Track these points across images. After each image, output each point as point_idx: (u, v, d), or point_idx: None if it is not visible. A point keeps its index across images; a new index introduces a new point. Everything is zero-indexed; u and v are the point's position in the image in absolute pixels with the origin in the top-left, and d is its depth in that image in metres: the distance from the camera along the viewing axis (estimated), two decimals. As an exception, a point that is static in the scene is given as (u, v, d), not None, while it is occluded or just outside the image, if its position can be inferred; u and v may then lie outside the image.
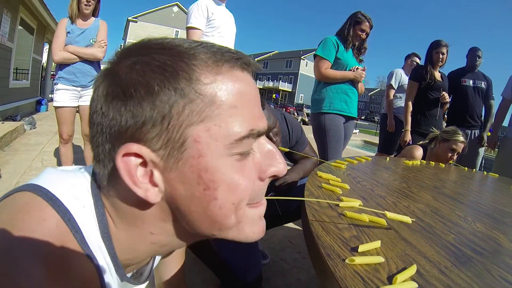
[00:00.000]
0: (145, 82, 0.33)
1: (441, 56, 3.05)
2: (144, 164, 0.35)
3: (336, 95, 2.62)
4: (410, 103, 3.16)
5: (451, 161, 2.28)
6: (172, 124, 0.34)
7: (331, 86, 2.63)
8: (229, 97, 0.35)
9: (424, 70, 3.10)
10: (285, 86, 53.20)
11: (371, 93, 75.19)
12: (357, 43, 2.71)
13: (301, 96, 53.45)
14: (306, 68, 53.00)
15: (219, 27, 2.72)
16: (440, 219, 0.77)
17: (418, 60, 4.05)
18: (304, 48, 58.84)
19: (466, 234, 0.71)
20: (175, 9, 39.92)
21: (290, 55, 56.57)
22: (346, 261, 0.44)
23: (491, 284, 0.48)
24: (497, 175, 2.12)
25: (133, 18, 37.64)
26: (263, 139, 0.40)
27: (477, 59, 3.43)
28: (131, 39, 36.02)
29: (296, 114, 21.68)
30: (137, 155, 0.34)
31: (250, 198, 0.39)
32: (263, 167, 0.40)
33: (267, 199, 0.44)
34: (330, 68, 2.61)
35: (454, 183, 1.43)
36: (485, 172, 2.30)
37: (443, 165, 1.99)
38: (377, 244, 0.52)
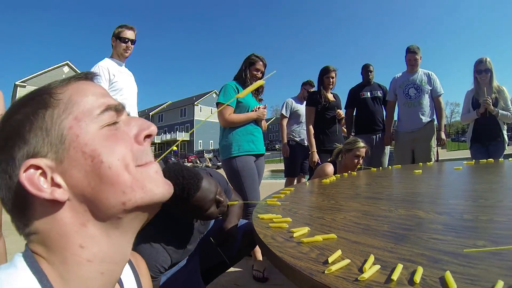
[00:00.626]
0: (16, 111, 0.47)
1: (331, 80, 3.72)
2: (43, 174, 0.44)
3: (243, 137, 2.83)
4: (311, 127, 3.70)
5: (358, 166, 2.66)
6: (48, 128, 0.45)
7: (237, 130, 2.84)
8: (80, 91, 0.49)
9: (318, 95, 3.70)
10: (182, 136, 54.84)
11: (268, 123, 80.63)
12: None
13: (200, 142, 55.85)
14: (201, 113, 56.09)
15: (121, 89, 2.83)
16: (372, 217, 0.99)
17: (311, 88, 4.73)
18: (196, 93, 62.53)
19: (395, 220, 0.93)
20: (66, 69, 38.27)
21: (183, 103, 59.43)
22: (326, 272, 0.60)
23: (424, 245, 0.69)
24: (400, 166, 2.57)
25: (20, 82, 35.00)
26: (130, 117, 0.55)
27: (369, 73, 4.33)
28: (19, 106, 33.25)
29: (198, 161, 21.87)
30: (35, 166, 0.44)
31: (137, 159, 0.49)
32: (136, 132, 0.52)
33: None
34: (233, 112, 2.84)
35: (369, 185, 1.74)
36: (390, 167, 2.73)
37: (354, 173, 2.33)
38: (339, 252, 0.69)
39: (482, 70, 3.72)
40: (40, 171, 0.44)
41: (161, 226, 1.44)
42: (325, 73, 3.75)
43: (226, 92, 2.85)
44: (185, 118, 57.78)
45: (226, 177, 2.74)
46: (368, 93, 4.25)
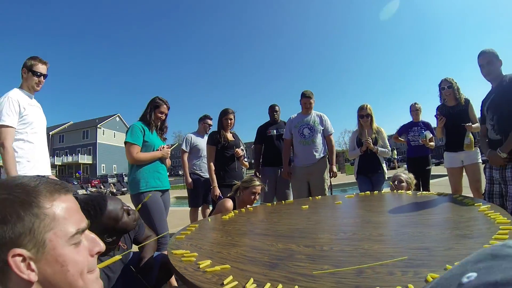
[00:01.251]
0: (15, 212, 0.68)
1: (229, 121, 4.18)
2: (24, 259, 0.66)
3: (150, 174, 3.13)
4: (212, 164, 4.12)
5: (255, 201, 3.04)
6: (35, 234, 0.67)
7: (144, 167, 3.12)
8: (62, 212, 0.73)
9: (218, 135, 4.13)
10: (85, 159, 52.70)
11: (171, 149, 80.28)
12: (159, 124, 3.37)
13: (103, 166, 53.93)
14: (104, 136, 54.38)
15: (32, 123, 2.81)
16: (257, 251, 1.36)
17: (209, 122, 5.16)
18: (100, 116, 59.39)
19: (273, 253, 1.33)
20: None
21: (86, 125, 56.47)
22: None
23: (288, 270, 1.09)
24: (292, 201, 3.02)
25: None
26: (87, 232, 0.82)
27: (275, 113, 4.98)
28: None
29: (102, 186, 20.83)
30: (20, 255, 0.65)
31: (88, 268, 0.79)
32: (91, 248, 0.78)
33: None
34: (140, 151, 3.12)
35: (262, 222, 2.15)
36: (283, 202, 3.17)
37: (251, 208, 2.72)
38: (231, 277, 1.06)
39: (363, 115, 4.42)
40: (22, 257, 0.66)
41: None
42: (224, 115, 4.21)
43: (133, 132, 3.14)
44: (88, 140, 55.03)
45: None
46: (274, 131, 4.89)
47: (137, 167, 3.10)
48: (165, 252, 2.10)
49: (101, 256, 1.69)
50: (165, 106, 3.33)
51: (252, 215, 2.49)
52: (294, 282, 0.98)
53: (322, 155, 4.50)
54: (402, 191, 3.13)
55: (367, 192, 3.34)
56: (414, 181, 3.62)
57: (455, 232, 1.47)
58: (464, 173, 4.17)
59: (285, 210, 2.70)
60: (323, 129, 4.59)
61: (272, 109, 5.04)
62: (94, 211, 1.54)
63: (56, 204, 0.73)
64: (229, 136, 4.23)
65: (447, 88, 4.10)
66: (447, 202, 2.27)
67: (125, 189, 22.58)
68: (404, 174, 3.66)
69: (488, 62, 2.92)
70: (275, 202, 3.28)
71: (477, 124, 3.78)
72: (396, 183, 3.51)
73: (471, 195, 3.83)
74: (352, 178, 20.35)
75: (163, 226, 2.93)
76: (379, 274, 1.06)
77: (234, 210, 2.77)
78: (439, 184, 9.90)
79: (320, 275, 1.04)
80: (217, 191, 3.97)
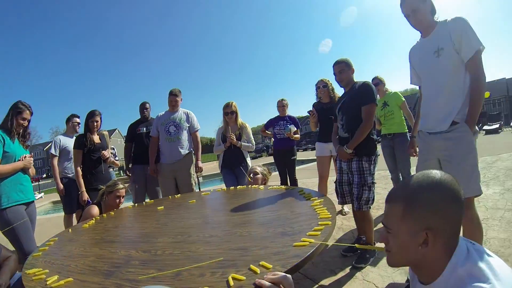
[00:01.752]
0: None
1: (95, 123, 4.32)
2: None
3: (12, 188, 3.06)
4: (79, 168, 4.24)
5: (120, 204, 3.38)
6: None
7: (5, 181, 3.03)
8: None
9: (85, 138, 4.24)
10: None
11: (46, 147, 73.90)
12: (21, 131, 3.25)
13: None
14: None
15: None
16: (101, 260, 1.72)
17: (77, 120, 5.20)
18: None
19: (114, 260, 1.70)
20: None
21: None
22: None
23: (121, 277, 1.43)
24: (152, 201, 3.35)
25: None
26: None
27: (145, 110, 5.22)
28: None
29: None
30: None
31: None
32: None
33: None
34: (0, 163, 3.02)
35: (115, 228, 2.46)
36: (144, 202, 3.46)
37: (112, 213, 2.98)
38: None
39: (228, 112, 4.89)
40: None
41: None
42: (90, 117, 4.30)
43: None
44: None
45: None
46: (144, 129, 5.13)
47: None
48: None
49: None
50: (27, 111, 3.26)
51: (111, 221, 2.75)
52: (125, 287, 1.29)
53: (187, 151, 4.83)
54: (256, 185, 3.44)
55: (224, 188, 3.71)
56: (271, 173, 4.05)
57: (278, 229, 1.70)
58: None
59: (143, 212, 2.99)
60: (189, 126, 4.90)
61: (143, 107, 5.25)
62: None
63: None
64: (96, 138, 4.36)
65: (322, 87, 4.84)
66: (289, 197, 2.53)
67: None
68: (259, 167, 3.98)
69: (340, 71, 3.36)
70: (144, 202, 3.57)
71: None
72: (251, 175, 3.82)
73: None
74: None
75: (30, 243, 2.96)
76: (193, 276, 1.27)
77: (96, 217, 2.97)
78: (309, 169, 11.65)
79: (144, 280, 1.32)
80: (85, 196, 4.09)
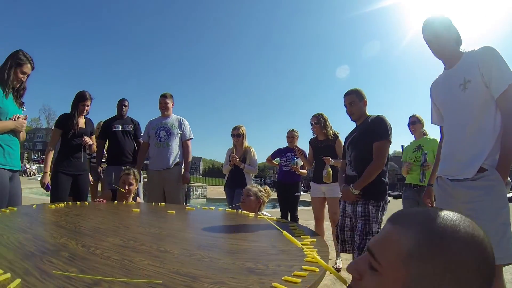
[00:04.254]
0: None
1: (86, 108, 4.18)
2: None
3: None
4: (51, 148, 4.03)
5: (129, 191, 3.49)
6: None
7: None
8: None
9: (72, 121, 4.05)
10: None
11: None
12: (17, 86, 2.94)
13: None
14: None
15: None
16: (36, 241, 1.56)
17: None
18: None
19: (48, 247, 1.51)
20: None
21: None
22: None
23: (41, 268, 1.28)
24: (134, 203, 3.29)
25: None
26: None
27: (123, 107, 5.09)
28: None
29: None
30: None
31: None
32: None
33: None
34: None
35: (76, 216, 2.29)
36: (125, 202, 3.38)
37: (87, 203, 2.89)
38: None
39: (235, 135, 5.05)
40: None
41: None
42: (81, 99, 4.12)
43: None
44: None
45: None
46: (120, 127, 5.00)
47: None
48: None
49: None
50: (29, 65, 2.91)
51: (78, 209, 2.68)
52: (34, 278, 1.09)
53: (177, 159, 4.76)
54: (247, 211, 3.05)
55: (211, 207, 3.46)
56: (269, 194, 3.56)
57: (247, 264, 1.40)
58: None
59: (116, 210, 2.88)
60: (180, 133, 4.84)
61: (121, 103, 5.09)
62: None
63: None
64: (81, 122, 4.18)
65: (314, 124, 4.72)
66: (276, 230, 2.11)
67: None
68: (254, 187, 3.56)
69: (350, 103, 3.12)
70: (125, 202, 3.44)
71: (338, 159, 4.22)
72: (243, 197, 3.42)
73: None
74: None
75: None
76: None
77: (69, 202, 2.90)
78: (311, 210, 10.75)
79: (55, 276, 1.13)
80: (47, 179, 3.84)
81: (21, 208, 2.39)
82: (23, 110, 3.05)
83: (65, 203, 2.81)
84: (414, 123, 4.82)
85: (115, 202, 3.34)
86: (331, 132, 4.71)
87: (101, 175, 5.29)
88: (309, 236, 1.92)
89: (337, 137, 4.68)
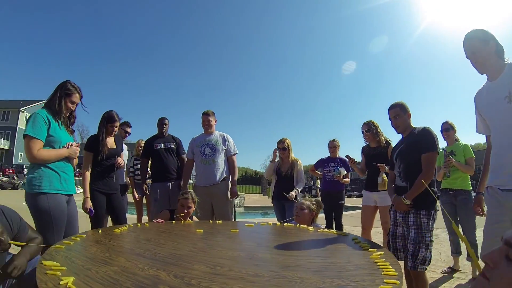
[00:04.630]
0: None
1: (114, 129, 3.96)
2: None
3: (54, 174, 2.78)
4: (87, 173, 3.82)
5: (187, 213, 3.42)
6: None
7: (48, 165, 2.76)
8: None
9: (101, 143, 3.83)
10: (1, 143, 48.70)
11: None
12: (67, 115, 2.98)
13: (20, 155, 50.37)
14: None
15: None
16: (125, 274, 1.46)
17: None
18: (25, 98, 55.24)
19: (140, 278, 1.42)
20: None
21: (7, 106, 52.05)
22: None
23: None
24: (191, 221, 3.21)
25: None
26: None
27: (164, 126, 5.13)
28: None
29: (16, 177, 19.48)
30: None
31: None
32: None
33: None
34: (43, 147, 2.74)
35: (148, 241, 2.22)
36: (182, 221, 3.29)
37: (147, 225, 2.79)
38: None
39: (281, 148, 4.99)
40: None
41: None
42: (110, 121, 3.92)
43: (35, 124, 2.74)
44: (7, 123, 51.06)
45: (31, 211, 2.73)
46: (162, 145, 5.02)
47: (40, 164, 2.74)
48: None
49: None
50: (77, 95, 2.97)
51: (144, 232, 2.56)
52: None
53: (223, 175, 4.70)
54: (304, 225, 3.20)
55: (269, 222, 3.52)
56: (321, 206, 3.72)
57: (336, 281, 1.45)
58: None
59: (178, 231, 2.80)
60: (225, 149, 4.78)
61: (161, 122, 5.16)
62: None
63: None
64: (111, 142, 4.01)
65: (366, 132, 4.61)
66: (342, 244, 2.32)
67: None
68: (307, 200, 3.65)
69: (395, 116, 3.15)
70: (174, 221, 3.34)
71: None
72: (297, 210, 3.53)
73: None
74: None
75: (58, 237, 2.63)
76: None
77: (130, 224, 2.83)
78: (354, 216, 10.82)
79: None
80: (89, 204, 3.66)
81: (90, 234, 2.30)
82: (73, 137, 3.10)
83: (127, 225, 2.73)
84: (448, 130, 4.82)
85: (173, 221, 3.25)
86: (383, 139, 4.60)
87: (147, 192, 5.30)
88: (375, 250, 1.99)
89: (389, 144, 4.53)
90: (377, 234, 4.40)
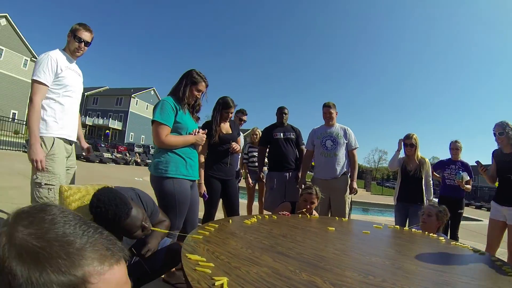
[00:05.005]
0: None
1: (230, 115, 3.83)
2: None
3: (180, 160, 2.83)
4: (202, 157, 3.71)
5: (310, 209, 3.24)
6: None
7: (174, 150, 2.82)
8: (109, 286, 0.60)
9: (215, 129, 3.73)
10: (115, 124, 56.72)
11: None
12: (192, 102, 3.01)
13: (132, 134, 58.06)
14: (136, 106, 59.00)
15: (66, 86, 2.83)
16: (279, 277, 1.28)
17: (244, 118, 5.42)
18: (135, 86, 63.98)
19: (296, 284, 1.22)
20: (3, 21, 36.29)
21: (120, 93, 61.09)
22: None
23: None
24: (318, 216, 2.96)
25: None
26: None
27: (284, 115, 4.96)
28: None
29: (128, 154, 21.98)
30: None
31: None
32: None
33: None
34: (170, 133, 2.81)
35: (284, 237, 2.04)
36: (308, 216, 3.08)
37: (275, 217, 2.69)
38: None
39: (408, 144, 4.51)
40: None
41: None
42: (225, 107, 3.79)
43: (163, 110, 2.79)
44: (120, 107, 59.45)
45: (156, 193, 2.81)
46: (281, 134, 4.85)
47: (166, 149, 2.81)
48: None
49: None
50: (203, 83, 2.98)
51: (275, 226, 2.39)
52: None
53: (344, 170, 4.46)
54: (434, 235, 2.89)
55: (396, 226, 3.19)
56: (448, 215, 3.38)
57: None
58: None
59: (309, 227, 2.60)
60: (346, 143, 4.52)
61: (281, 111, 4.99)
62: (113, 217, 1.63)
63: (104, 280, 0.58)
64: (226, 127, 3.91)
65: (499, 134, 3.84)
66: (483, 264, 2.04)
67: (150, 161, 23.22)
68: (434, 207, 3.42)
69: None
70: (300, 215, 3.16)
71: None
72: (424, 216, 3.31)
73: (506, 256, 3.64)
74: (376, 199, 20.09)
75: (180, 221, 2.80)
76: None
77: (258, 215, 2.71)
78: (468, 229, 9.14)
79: None
80: (203, 189, 3.61)
81: (222, 224, 2.20)
82: (197, 125, 3.13)
83: (256, 216, 2.61)
84: None
85: (300, 216, 3.06)
86: None
87: (263, 180, 5.22)
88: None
89: None
90: (504, 255, 3.68)
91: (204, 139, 3.04)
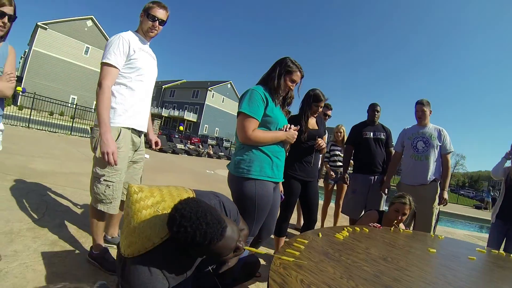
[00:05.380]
0: None
1: (319, 109, 3.46)
2: None
3: (267, 159, 2.48)
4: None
5: (400, 220, 2.95)
6: None
7: (261, 147, 2.46)
8: None
9: (303, 122, 3.38)
10: (190, 116, 59.07)
11: None
12: (284, 94, 2.66)
13: (206, 127, 59.94)
14: (213, 99, 60.86)
15: (139, 69, 2.66)
16: None
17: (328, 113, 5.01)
18: (211, 79, 66.68)
19: None
20: (89, 23, 41.55)
21: (197, 85, 63.61)
22: None
23: None
24: (411, 232, 2.64)
25: (43, 24, 38.70)
26: None
27: (376, 113, 4.47)
28: (38, 47, 37.90)
29: (201, 146, 22.97)
30: None
31: None
32: None
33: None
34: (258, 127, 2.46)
35: (385, 261, 1.79)
36: (401, 230, 2.77)
37: (366, 230, 2.41)
38: None
39: None
40: None
41: (171, 256, 1.48)
42: (316, 100, 3.41)
43: (252, 101, 2.42)
44: (196, 99, 61.85)
45: (233, 194, 2.50)
46: (371, 134, 4.45)
47: (251, 146, 2.44)
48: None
49: None
50: (298, 73, 2.58)
51: (370, 244, 2.10)
52: None
53: (434, 176, 4.00)
54: None
55: (501, 252, 2.72)
56: None
57: None
58: None
59: (408, 247, 2.25)
60: (440, 145, 4.10)
61: (373, 108, 4.55)
62: (204, 238, 1.29)
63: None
64: (312, 123, 3.52)
65: None
66: None
67: (222, 153, 24.06)
68: None
69: None
70: (391, 228, 2.81)
71: None
72: None
73: None
74: (450, 207, 18.11)
75: (256, 228, 2.47)
76: None
77: (348, 227, 2.44)
78: None
79: None
80: (281, 188, 3.05)
81: (312, 240, 1.96)
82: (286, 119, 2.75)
83: (346, 228, 2.35)
84: None
85: (391, 229, 2.76)
86: None
87: (347, 182, 4.74)
88: None
89: None
90: None
91: (296, 136, 2.64)
